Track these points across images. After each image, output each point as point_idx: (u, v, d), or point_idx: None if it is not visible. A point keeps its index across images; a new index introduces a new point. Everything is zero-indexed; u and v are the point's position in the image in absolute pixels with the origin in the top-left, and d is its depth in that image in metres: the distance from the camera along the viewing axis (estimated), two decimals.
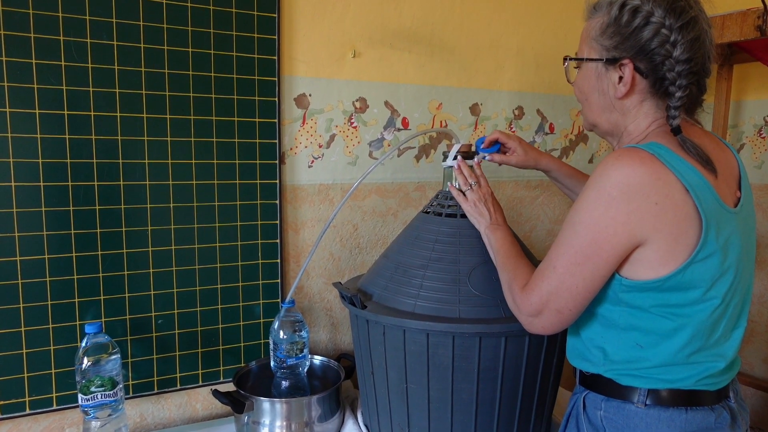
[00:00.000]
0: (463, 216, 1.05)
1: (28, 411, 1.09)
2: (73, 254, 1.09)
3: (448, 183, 1.09)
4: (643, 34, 0.77)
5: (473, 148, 1.09)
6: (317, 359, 1.30)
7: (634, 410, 0.78)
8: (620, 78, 0.81)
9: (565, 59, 0.89)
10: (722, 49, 1.56)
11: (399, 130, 1.42)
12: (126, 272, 1.14)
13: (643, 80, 0.80)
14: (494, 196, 1.03)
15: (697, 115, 0.83)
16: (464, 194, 1.04)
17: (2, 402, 1.06)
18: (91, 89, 1.08)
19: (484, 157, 1.08)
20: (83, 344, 1.01)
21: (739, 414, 0.82)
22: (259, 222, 1.25)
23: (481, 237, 1.02)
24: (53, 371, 1.10)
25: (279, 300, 1.30)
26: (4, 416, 1.07)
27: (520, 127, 1.59)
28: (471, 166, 1.06)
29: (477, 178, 1.04)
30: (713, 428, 0.77)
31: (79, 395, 1.00)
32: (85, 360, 1.00)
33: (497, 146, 1.09)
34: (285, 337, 1.16)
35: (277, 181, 1.26)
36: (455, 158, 1.08)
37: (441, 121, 1.47)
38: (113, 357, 1.03)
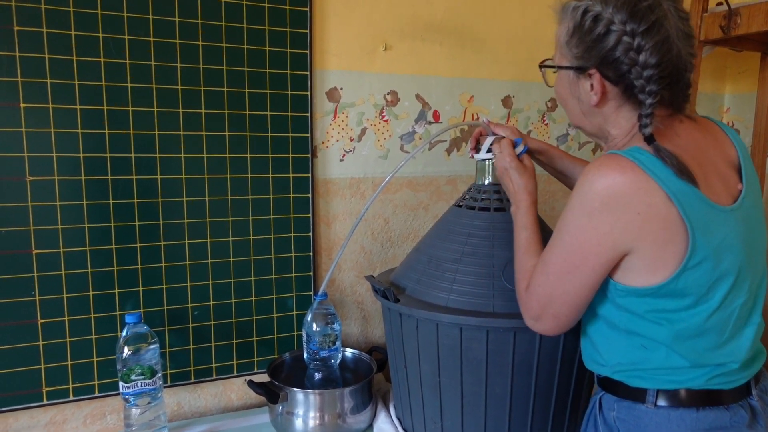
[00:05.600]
0: (497, 210, 1.05)
1: (71, 398, 1.12)
2: (113, 246, 1.12)
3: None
4: (606, 42, 0.75)
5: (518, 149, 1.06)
6: (349, 352, 1.31)
7: (644, 410, 0.78)
8: (592, 86, 0.79)
9: (540, 66, 0.88)
10: (765, 37, 1.51)
11: (430, 123, 1.41)
12: (163, 264, 1.17)
13: (614, 87, 0.78)
14: (516, 165, 0.96)
15: (687, 109, 0.80)
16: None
17: (48, 388, 1.10)
18: (129, 85, 1.10)
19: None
20: (124, 334, 1.04)
21: (764, 412, 0.80)
22: (291, 215, 1.27)
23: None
24: (95, 359, 1.13)
25: (311, 293, 1.31)
26: (50, 402, 1.11)
27: (554, 120, 1.56)
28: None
29: (499, 149, 0.99)
30: (728, 427, 0.76)
31: (120, 383, 1.03)
32: (126, 349, 1.03)
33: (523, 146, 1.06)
34: (318, 329, 1.17)
35: (310, 175, 1.27)
36: (488, 151, 1.07)
37: (473, 114, 1.46)
38: (152, 346, 1.05)
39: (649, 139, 0.73)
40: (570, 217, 0.76)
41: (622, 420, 0.81)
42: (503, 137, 1.06)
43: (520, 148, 1.00)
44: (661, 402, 0.77)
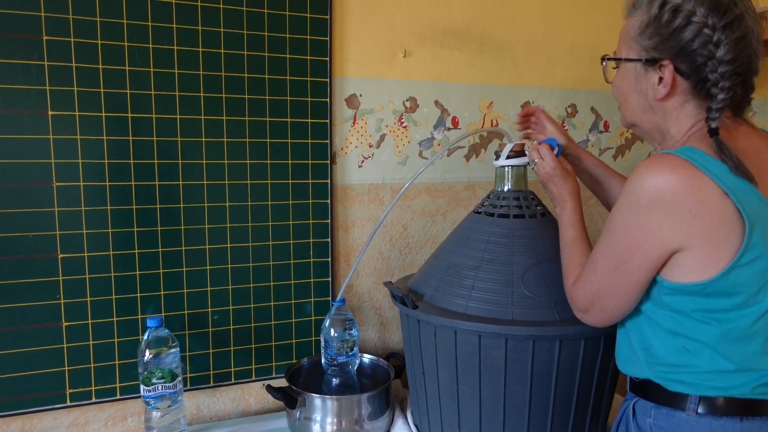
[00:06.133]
0: (516, 216, 1.04)
1: (94, 399, 1.14)
2: (136, 251, 1.14)
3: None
4: (684, 34, 0.75)
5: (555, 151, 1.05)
6: (367, 358, 1.31)
7: (684, 418, 0.77)
8: (660, 79, 0.79)
9: (602, 59, 0.87)
10: None
11: (449, 129, 1.41)
12: (184, 269, 1.18)
13: (684, 81, 0.78)
14: (561, 171, 0.96)
15: (745, 114, 0.81)
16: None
17: (71, 390, 1.12)
18: (153, 92, 1.12)
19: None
20: (145, 337, 1.06)
21: None
22: (310, 221, 1.27)
23: (534, 238, 1.01)
24: (117, 362, 1.15)
25: (330, 298, 1.31)
26: (73, 404, 1.13)
27: (573, 126, 1.55)
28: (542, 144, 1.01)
29: (540, 156, 0.99)
30: None
31: (141, 386, 1.05)
32: (147, 352, 1.04)
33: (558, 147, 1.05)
34: (336, 335, 1.17)
35: (329, 181, 1.28)
36: (508, 158, 1.06)
37: (492, 120, 1.46)
38: (173, 350, 1.07)
39: (713, 132, 0.73)
40: (618, 215, 0.77)
41: (660, 427, 0.79)
42: (523, 143, 1.06)
43: (555, 150, 1.00)
44: (702, 410, 0.76)
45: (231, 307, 1.23)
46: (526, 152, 1.04)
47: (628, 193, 0.75)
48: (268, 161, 1.22)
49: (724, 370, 0.75)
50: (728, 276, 0.71)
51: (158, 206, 1.15)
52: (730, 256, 0.70)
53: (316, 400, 1.10)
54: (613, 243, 0.77)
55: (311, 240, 1.28)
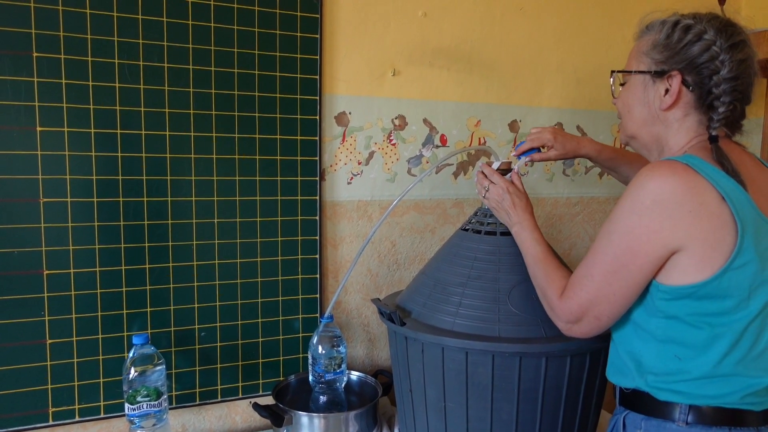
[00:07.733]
0: (503, 234, 1.05)
1: (77, 418, 1.13)
2: (123, 267, 1.14)
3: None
4: (694, 49, 0.81)
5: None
6: (354, 375, 1.30)
7: (675, 429, 0.78)
8: (666, 90, 0.83)
9: (612, 73, 0.91)
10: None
11: (437, 147, 1.43)
12: (171, 285, 1.18)
13: (689, 93, 0.82)
14: (513, 190, 1.00)
15: (735, 137, 0.85)
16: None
17: (54, 409, 1.10)
18: (142, 109, 1.12)
19: (529, 163, 1.07)
20: (131, 355, 1.05)
21: None
22: (299, 237, 1.28)
23: (520, 255, 1.02)
24: (101, 380, 1.14)
25: (318, 315, 1.31)
26: (56, 423, 1.11)
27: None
28: (486, 172, 1.05)
29: (489, 181, 1.02)
30: None
31: (126, 404, 1.03)
32: (132, 370, 1.03)
33: (534, 150, 1.08)
34: (323, 351, 1.17)
35: (317, 198, 1.29)
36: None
37: (479, 138, 1.47)
38: (158, 368, 1.06)
39: (713, 139, 0.79)
40: (620, 216, 0.78)
41: None
42: (510, 161, 1.08)
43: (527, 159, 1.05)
44: (692, 419, 0.77)
45: (218, 324, 1.22)
46: (475, 180, 1.06)
47: (630, 196, 0.77)
48: (257, 178, 1.23)
49: (715, 375, 0.76)
50: (721, 278, 0.73)
51: (146, 222, 1.15)
52: (724, 258, 0.73)
53: (303, 418, 1.10)
54: (615, 245, 0.78)
55: (300, 256, 1.28)
